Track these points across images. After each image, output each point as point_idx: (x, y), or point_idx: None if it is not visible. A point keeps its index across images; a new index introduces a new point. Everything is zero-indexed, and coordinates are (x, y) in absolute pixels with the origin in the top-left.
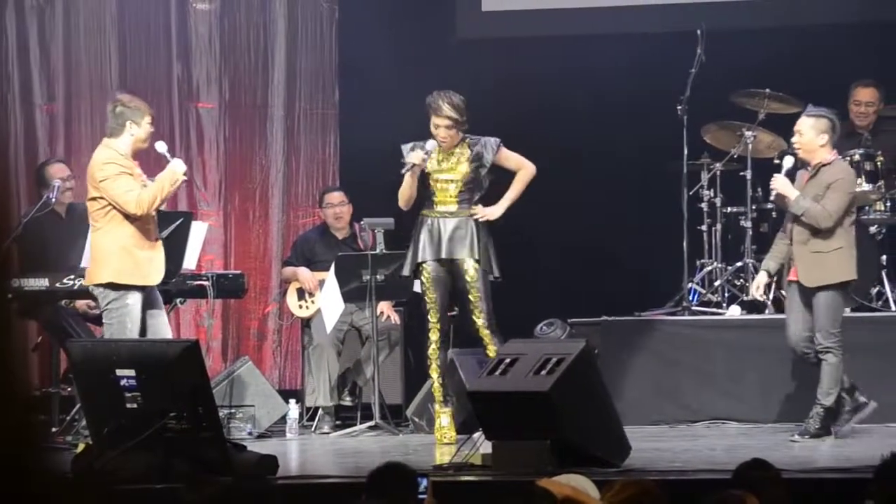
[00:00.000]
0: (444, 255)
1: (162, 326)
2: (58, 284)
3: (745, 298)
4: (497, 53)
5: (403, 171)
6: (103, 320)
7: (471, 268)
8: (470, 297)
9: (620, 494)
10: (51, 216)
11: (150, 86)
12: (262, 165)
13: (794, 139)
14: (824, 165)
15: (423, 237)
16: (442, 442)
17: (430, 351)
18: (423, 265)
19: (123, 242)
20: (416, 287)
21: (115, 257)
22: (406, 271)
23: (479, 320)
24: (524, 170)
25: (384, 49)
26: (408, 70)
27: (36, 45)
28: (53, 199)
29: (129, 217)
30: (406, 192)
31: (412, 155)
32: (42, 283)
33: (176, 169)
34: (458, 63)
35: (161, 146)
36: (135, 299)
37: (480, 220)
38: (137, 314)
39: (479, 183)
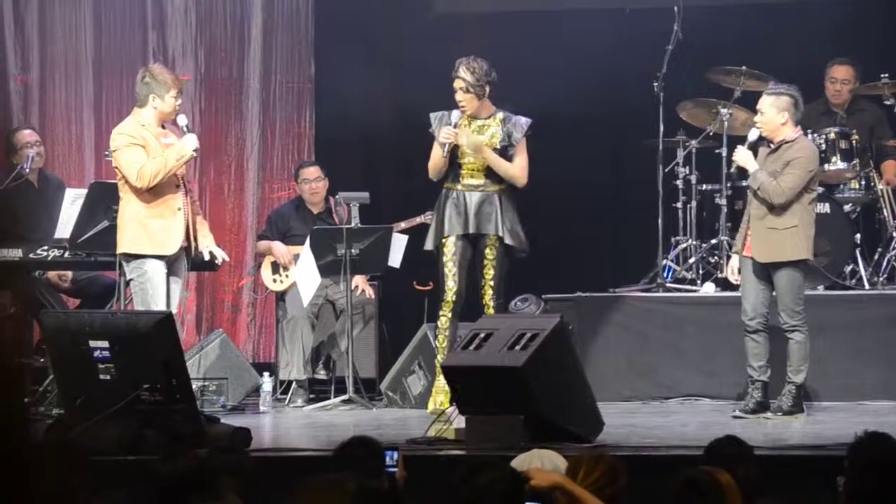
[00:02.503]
0: (471, 230)
1: (173, 297)
2: (31, 255)
3: (720, 276)
4: (474, 28)
5: (444, 154)
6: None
7: (493, 244)
8: (485, 273)
9: (591, 475)
10: (24, 186)
11: (124, 57)
12: (238, 138)
13: (756, 118)
14: (787, 142)
15: (449, 211)
16: (433, 411)
17: (440, 322)
18: (447, 239)
19: (137, 212)
20: (392, 262)
21: (129, 227)
22: (429, 245)
23: (489, 298)
24: (517, 171)
25: (360, 23)
26: (384, 44)
27: (10, 16)
28: (27, 170)
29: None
30: (439, 163)
31: (443, 134)
32: (15, 253)
33: (185, 145)
34: (435, 38)
35: (182, 119)
36: (153, 267)
37: (456, 139)
38: (159, 281)
39: (508, 160)
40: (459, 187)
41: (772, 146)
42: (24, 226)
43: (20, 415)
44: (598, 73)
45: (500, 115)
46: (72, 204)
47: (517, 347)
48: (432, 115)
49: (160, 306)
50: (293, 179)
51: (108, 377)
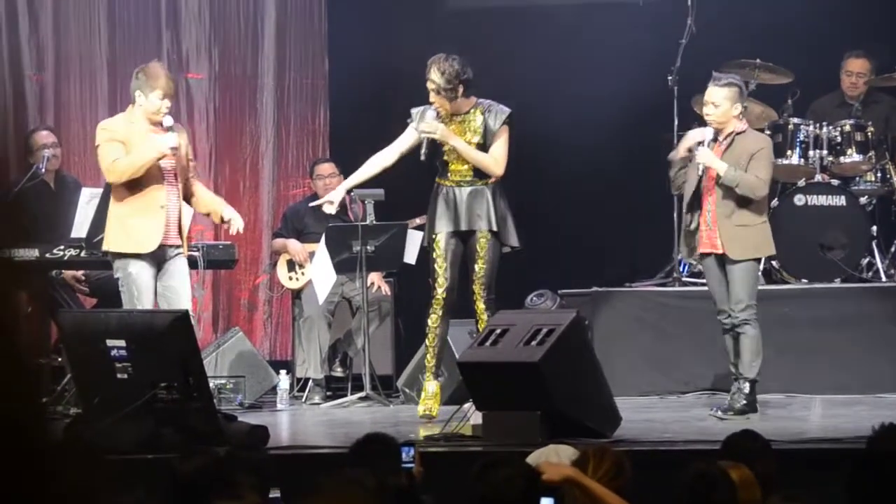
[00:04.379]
0: (462, 227)
1: (176, 299)
2: (48, 255)
3: None
4: (487, 23)
5: (423, 151)
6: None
7: (484, 238)
8: (476, 266)
9: (600, 469)
10: (40, 186)
11: (139, 56)
12: (253, 136)
13: (706, 111)
14: (738, 134)
15: (440, 207)
16: (423, 414)
17: (430, 320)
18: (437, 236)
19: (118, 210)
20: (408, 258)
21: (111, 224)
22: (424, 242)
23: (479, 293)
24: (489, 160)
25: (374, 19)
26: (397, 40)
27: (25, 14)
28: (42, 170)
29: (127, 184)
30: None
31: (423, 126)
32: (32, 253)
33: (159, 143)
34: (448, 33)
35: (167, 121)
36: (137, 268)
37: (427, 134)
38: (143, 282)
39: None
40: (449, 183)
41: (719, 139)
42: (40, 226)
43: (38, 414)
44: (611, 66)
45: (482, 106)
46: (87, 203)
47: (534, 343)
48: (413, 111)
49: (146, 307)
50: (308, 176)
51: (126, 376)
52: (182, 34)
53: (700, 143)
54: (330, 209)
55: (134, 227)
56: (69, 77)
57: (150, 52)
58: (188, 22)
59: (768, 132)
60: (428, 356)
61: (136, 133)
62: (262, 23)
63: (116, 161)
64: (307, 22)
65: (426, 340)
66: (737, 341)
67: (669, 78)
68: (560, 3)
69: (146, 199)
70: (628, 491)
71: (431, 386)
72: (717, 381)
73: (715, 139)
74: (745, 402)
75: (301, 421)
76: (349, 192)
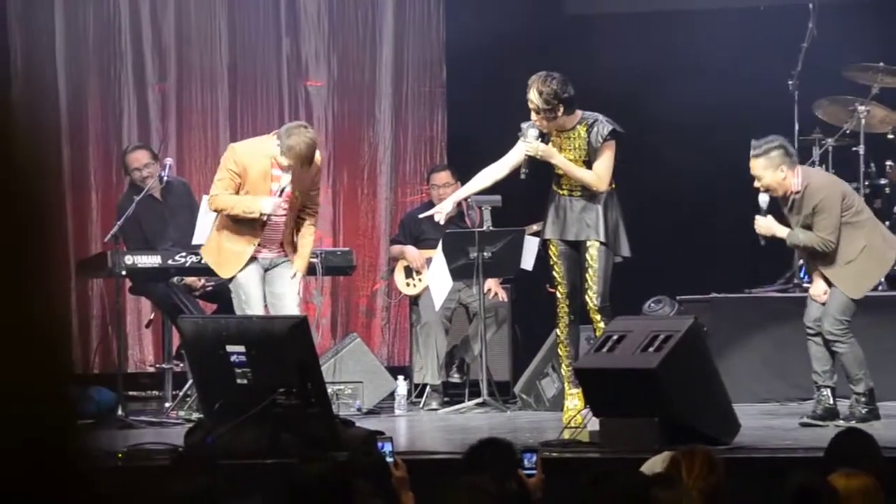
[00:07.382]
0: (569, 237)
1: (281, 304)
2: (170, 262)
3: None
4: (606, 29)
5: (523, 169)
6: None
7: (593, 247)
8: (587, 275)
9: (693, 469)
10: (148, 202)
11: (259, 64)
12: (371, 143)
13: (756, 184)
14: (795, 192)
15: (551, 215)
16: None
17: (558, 330)
18: (550, 241)
19: (218, 232)
20: (525, 265)
21: (209, 239)
22: (541, 247)
23: (591, 302)
24: (591, 177)
25: (492, 25)
26: (516, 46)
27: (148, 24)
28: (165, 177)
29: None
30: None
31: (525, 148)
32: (154, 260)
33: (259, 204)
34: (567, 39)
35: (284, 180)
36: (244, 274)
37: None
38: (251, 287)
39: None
40: (562, 192)
41: (784, 201)
42: (150, 237)
43: (72, 434)
44: (732, 71)
45: (586, 122)
46: (208, 211)
47: (651, 349)
48: (523, 125)
49: (255, 311)
50: (426, 183)
51: (245, 381)
52: (301, 41)
53: (760, 212)
54: (440, 218)
55: (224, 250)
56: (191, 84)
57: (270, 59)
58: (307, 29)
59: (891, 136)
60: (564, 366)
61: (257, 166)
62: (381, 30)
63: (217, 196)
64: (425, 29)
65: (559, 350)
66: (822, 348)
67: (790, 83)
68: (680, 8)
69: (242, 234)
70: (725, 489)
71: (573, 401)
72: (840, 388)
73: (781, 199)
74: (866, 410)
75: (419, 426)
76: (466, 199)
